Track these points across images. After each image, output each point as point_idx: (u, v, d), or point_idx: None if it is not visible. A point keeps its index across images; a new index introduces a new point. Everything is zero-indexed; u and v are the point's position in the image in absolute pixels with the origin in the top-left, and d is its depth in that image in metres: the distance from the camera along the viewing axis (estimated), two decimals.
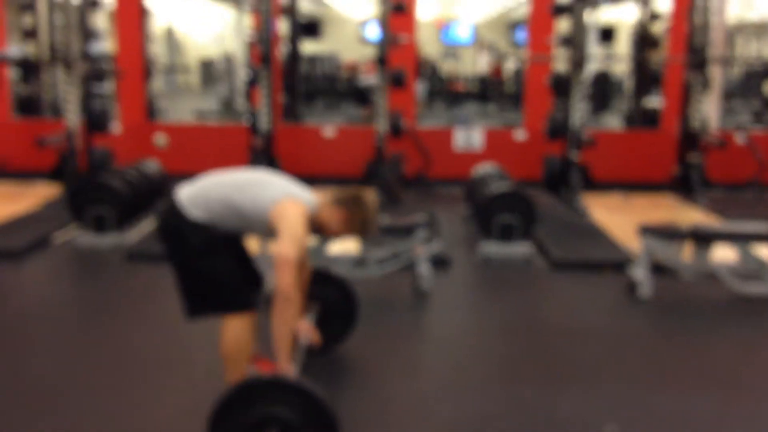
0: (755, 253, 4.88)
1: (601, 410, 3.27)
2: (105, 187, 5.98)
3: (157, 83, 12.86)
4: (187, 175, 8.33)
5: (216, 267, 2.99)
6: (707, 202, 7.66)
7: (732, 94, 18.49)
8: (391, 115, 8.15)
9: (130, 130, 8.75)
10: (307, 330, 3.17)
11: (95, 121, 7.65)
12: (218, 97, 16.69)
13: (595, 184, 8.08)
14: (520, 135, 8.88)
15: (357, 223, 3.09)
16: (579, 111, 7.88)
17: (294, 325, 2.86)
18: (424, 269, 4.88)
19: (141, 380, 3.60)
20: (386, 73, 7.84)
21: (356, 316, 3.76)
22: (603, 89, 15.47)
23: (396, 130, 8.14)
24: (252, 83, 7.98)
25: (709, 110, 8.98)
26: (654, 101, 10.16)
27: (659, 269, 5.02)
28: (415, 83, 9.37)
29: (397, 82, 7.89)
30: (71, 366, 3.78)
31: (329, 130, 9.08)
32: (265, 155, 7.94)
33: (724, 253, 5.04)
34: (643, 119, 9.97)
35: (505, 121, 13.19)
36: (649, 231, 4.97)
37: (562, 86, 8.08)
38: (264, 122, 7.95)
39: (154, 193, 6.61)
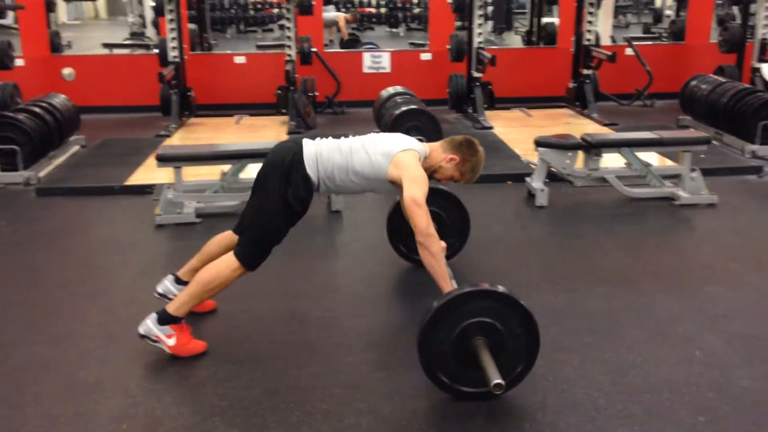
0: (640, 159, 5.29)
1: None
2: (12, 123, 5.87)
3: (62, 14, 12.36)
4: (98, 108, 8.35)
5: (276, 229, 3.13)
6: (600, 113, 8.15)
7: (624, 8, 19.16)
8: (299, 40, 8.25)
9: (34, 64, 8.52)
10: None
11: None
12: (127, 27, 16.12)
13: (497, 101, 8.49)
14: (426, 56, 9.13)
15: (468, 169, 3.31)
16: (479, 31, 8.19)
17: (441, 254, 3.07)
18: None
19: (61, 312, 3.59)
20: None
21: (469, 229, 4.05)
22: (506, 9, 15.80)
23: (305, 56, 8.25)
24: (159, 12, 7.87)
25: (601, 26, 9.45)
26: (551, 19, 10.55)
27: (556, 178, 5.46)
28: (323, 8, 9.42)
29: (304, 7, 7.95)
30: None
31: (240, 57, 9.09)
32: (176, 84, 7.95)
33: (613, 160, 5.48)
34: (541, 37, 10.34)
35: (414, 43, 13.38)
36: (543, 143, 5.35)
37: (463, 7, 8.35)
38: (172, 51, 7.93)
39: (64, 126, 6.54)
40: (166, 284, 3.49)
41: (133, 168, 6.06)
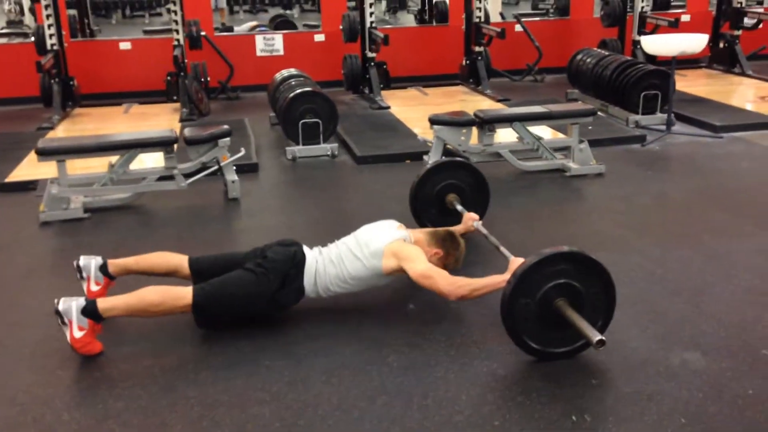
0: (531, 133, 5.41)
1: (406, 293, 3.53)
2: None
3: None
4: None
5: (247, 304, 3.16)
6: (493, 89, 8.31)
7: None
8: (188, 24, 8.00)
9: None
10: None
11: None
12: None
13: (393, 80, 8.52)
14: (319, 37, 9.04)
15: (452, 261, 3.43)
16: (371, 11, 8.18)
17: (471, 281, 3.06)
18: (232, 177, 5.02)
19: None
20: None
21: (489, 196, 4.29)
22: None
23: (194, 40, 8.01)
24: None
25: (490, 3, 9.62)
26: None
27: (452, 155, 5.51)
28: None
29: None
30: None
31: (125, 43, 8.73)
32: (56, 73, 7.56)
33: (507, 135, 5.57)
34: (433, 15, 10.43)
35: (308, 25, 13.23)
36: (438, 120, 5.39)
37: None
38: (50, 38, 7.53)
39: None
40: (90, 264, 3.33)
41: (14, 164, 5.74)
